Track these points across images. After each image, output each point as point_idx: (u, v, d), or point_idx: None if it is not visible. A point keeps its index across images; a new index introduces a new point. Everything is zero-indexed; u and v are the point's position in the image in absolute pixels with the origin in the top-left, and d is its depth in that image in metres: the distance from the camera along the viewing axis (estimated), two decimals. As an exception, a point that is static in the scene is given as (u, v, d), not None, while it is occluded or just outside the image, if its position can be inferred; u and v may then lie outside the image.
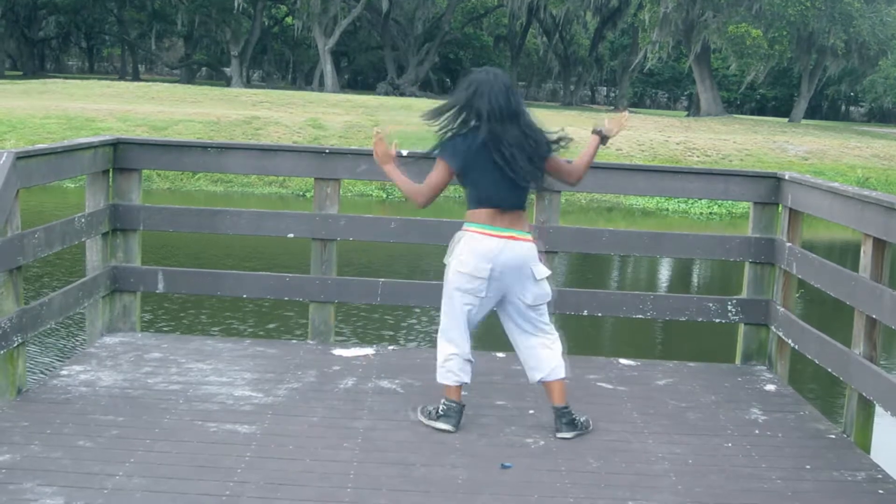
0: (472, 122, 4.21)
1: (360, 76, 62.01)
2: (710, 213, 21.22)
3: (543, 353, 4.40)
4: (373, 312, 9.94)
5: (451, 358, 4.40)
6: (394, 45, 49.09)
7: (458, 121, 4.24)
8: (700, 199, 20.83)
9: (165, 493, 3.56)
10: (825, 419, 4.88)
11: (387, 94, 42.12)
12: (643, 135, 27.28)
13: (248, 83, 49.69)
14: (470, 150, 4.21)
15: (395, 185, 4.45)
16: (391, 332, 9.47)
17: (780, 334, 5.51)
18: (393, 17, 48.26)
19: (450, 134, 4.26)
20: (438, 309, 4.52)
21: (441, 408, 4.42)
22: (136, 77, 53.97)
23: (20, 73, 50.95)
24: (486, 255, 4.23)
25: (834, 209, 5.00)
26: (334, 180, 5.73)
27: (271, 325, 9.43)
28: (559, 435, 4.35)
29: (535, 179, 4.29)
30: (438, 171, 4.30)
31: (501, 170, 4.19)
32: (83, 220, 5.29)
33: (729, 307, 5.77)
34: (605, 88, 68.23)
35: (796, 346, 5.31)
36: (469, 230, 4.29)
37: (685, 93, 63.61)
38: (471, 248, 4.25)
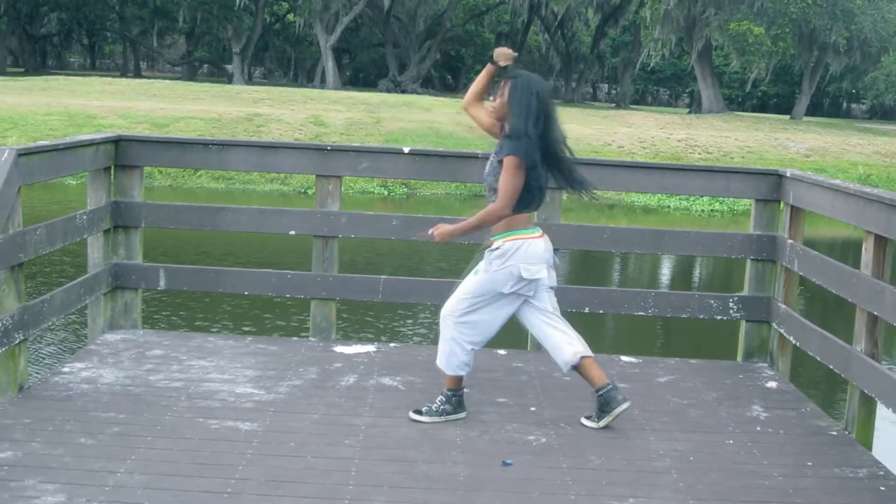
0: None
1: (361, 73, 62.00)
2: (712, 210, 21.22)
3: (564, 338, 4.47)
4: (374, 309, 9.94)
5: (469, 355, 4.46)
6: (395, 42, 49.06)
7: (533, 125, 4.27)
8: (701, 197, 20.82)
9: (167, 490, 3.57)
10: (826, 416, 4.88)
11: (388, 91, 42.08)
12: (645, 132, 27.26)
13: (250, 80, 49.66)
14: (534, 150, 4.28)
15: (474, 229, 4.36)
16: (393, 330, 9.47)
17: (782, 331, 5.51)
18: (394, 15, 48.22)
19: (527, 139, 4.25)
20: (440, 305, 4.52)
21: (453, 399, 4.49)
22: (137, 74, 54.02)
23: (22, 69, 50.95)
24: (542, 257, 4.37)
25: (835, 206, 5.00)
26: (336, 177, 5.73)
27: (273, 323, 9.43)
28: (619, 408, 4.39)
29: (582, 184, 4.45)
30: (520, 175, 4.24)
31: (543, 170, 4.34)
32: (85, 217, 5.29)
33: (730, 304, 5.77)
34: (606, 85, 68.20)
35: (798, 343, 5.31)
36: (524, 237, 4.32)
37: (687, 90, 63.59)
38: (533, 254, 4.33)
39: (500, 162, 4.26)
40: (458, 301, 4.42)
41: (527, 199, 4.32)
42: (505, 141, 4.28)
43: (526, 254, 4.31)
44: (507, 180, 4.23)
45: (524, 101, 4.25)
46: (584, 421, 4.50)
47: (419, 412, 4.47)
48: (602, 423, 4.44)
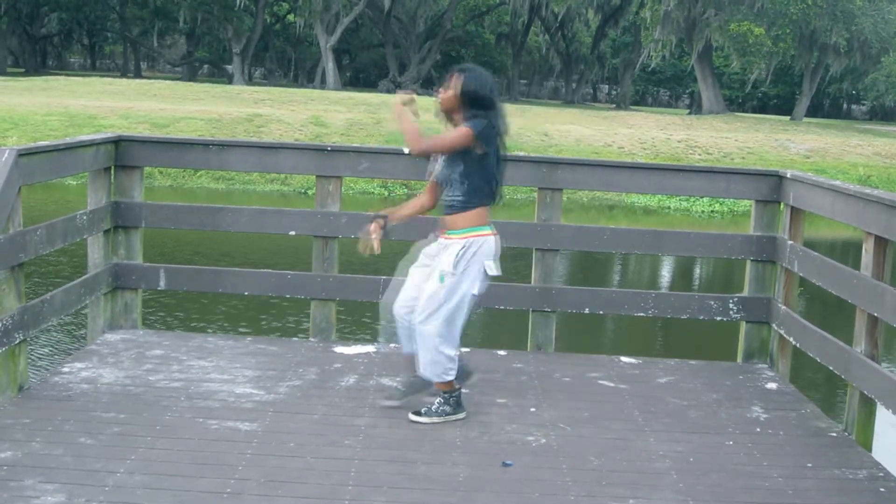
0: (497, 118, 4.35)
1: (361, 74, 61.99)
2: (712, 211, 21.22)
3: None
4: (373, 310, 9.92)
5: (454, 359, 4.45)
6: (395, 42, 49.06)
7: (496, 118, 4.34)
8: (702, 197, 20.82)
9: (167, 490, 3.57)
10: (826, 417, 4.88)
11: (388, 91, 42.02)
12: (645, 133, 27.27)
13: (250, 81, 49.66)
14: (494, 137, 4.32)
15: (401, 124, 4.45)
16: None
17: (782, 332, 5.51)
18: (395, 15, 48.22)
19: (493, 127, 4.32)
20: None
21: (451, 400, 4.49)
22: (138, 74, 54.00)
23: (22, 70, 50.95)
24: (497, 252, 4.41)
25: (835, 207, 5.00)
26: (336, 178, 5.73)
27: (269, 324, 9.42)
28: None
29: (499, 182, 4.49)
30: (460, 144, 4.29)
31: (500, 165, 4.38)
32: (85, 218, 5.29)
33: (730, 305, 5.77)
34: (606, 86, 68.20)
35: (798, 345, 5.31)
36: (486, 234, 4.37)
37: (687, 91, 63.60)
38: (492, 251, 4.38)
39: (452, 156, 4.33)
40: (435, 313, 4.34)
41: (486, 191, 4.35)
42: (464, 123, 4.32)
43: (488, 251, 4.37)
44: (448, 135, 4.32)
45: (481, 92, 4.30)
46: (412, 417, 4.49)
47: (419, 413, 4.47)
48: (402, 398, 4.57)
